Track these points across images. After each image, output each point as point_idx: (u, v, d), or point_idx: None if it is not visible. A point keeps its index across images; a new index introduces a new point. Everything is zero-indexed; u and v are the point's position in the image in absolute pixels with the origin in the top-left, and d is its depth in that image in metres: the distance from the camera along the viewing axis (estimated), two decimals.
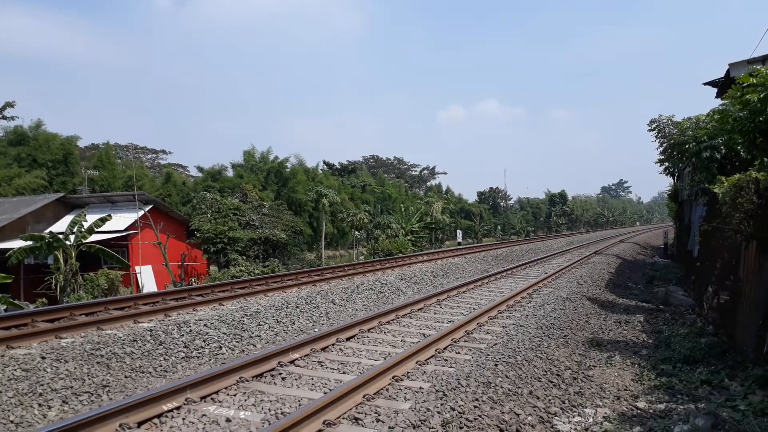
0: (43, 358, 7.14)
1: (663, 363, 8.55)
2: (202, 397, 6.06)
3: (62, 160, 36.85)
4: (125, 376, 7.26)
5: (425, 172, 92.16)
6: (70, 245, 19.90)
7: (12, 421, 5.68)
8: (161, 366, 7.80)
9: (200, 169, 46.48)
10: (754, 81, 9.09)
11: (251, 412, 5.73)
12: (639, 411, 6.54)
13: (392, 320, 10.58)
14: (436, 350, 8.12)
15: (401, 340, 9.08)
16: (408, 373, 7.11)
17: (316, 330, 10.23)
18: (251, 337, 9.53)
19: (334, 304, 12.51)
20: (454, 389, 6.27)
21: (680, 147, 14.49)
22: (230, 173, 45.78)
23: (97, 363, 7.36)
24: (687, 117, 15.55)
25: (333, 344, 8.59)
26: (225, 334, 9.32)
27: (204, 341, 8.86)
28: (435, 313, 11.56)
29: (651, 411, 6.51)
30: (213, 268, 29.87)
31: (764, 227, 7.74)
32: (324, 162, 66.80)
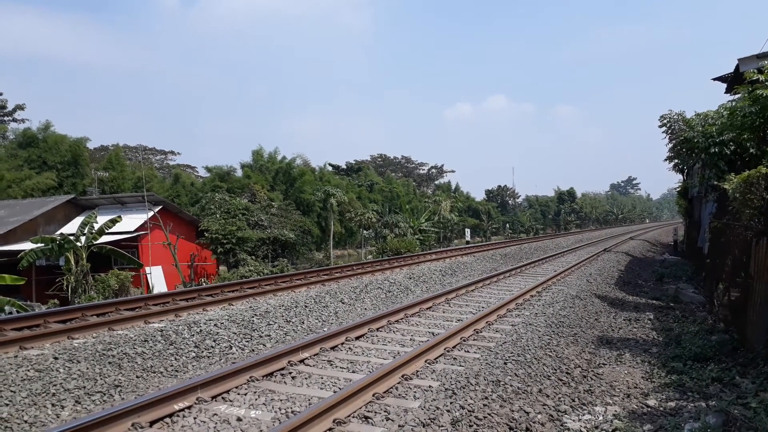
0: (56, 358, 7.22)
1: (673, 361, 8.51)
2: (213, 397, 6.10)
3: (72, 161, 37.19)
4: (137, 376, 7.32)
5: (433, 170, 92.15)
6: (81, 246, 20.07)
7: (26, 421, 5.75)
8: (172, 366, 7.85)
9: (209, 169, 46.75)
10: (762, 77, 9.03)
11: (262, 411, 5.77)
12: (649, 409, 6.52)
13: (401, 319, 10.60)
14: (445, 349, 8.12)
15: (410, 339, 9.10)
16: (417, 371, 7.12)
17: (325, 329, 10.26)
18: (261, 336, 9.57)
19: (343, 303, 12.54)
20: (464, 388, 6.28)
21: (689, 143, 14.40)
22: (239, 173, 46.00)
23: (109, 363, 7.43)
24: (696, 113, 15.44)
25: (342, 343, 8.62)
26: (235, 333, 9.38)
27: (214, 341, 8.92)
28: (444, 312, 11.56)
29: (661, 409, 6.49)
30: (222, 268, 30.01)
31: None
32: (329, 164, 66.92)
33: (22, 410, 5.91)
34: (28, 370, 6.73)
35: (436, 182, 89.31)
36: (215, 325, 9.51)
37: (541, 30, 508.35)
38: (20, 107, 42.24)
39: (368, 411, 5.70)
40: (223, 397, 6.16)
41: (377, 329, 9.67)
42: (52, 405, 6.13)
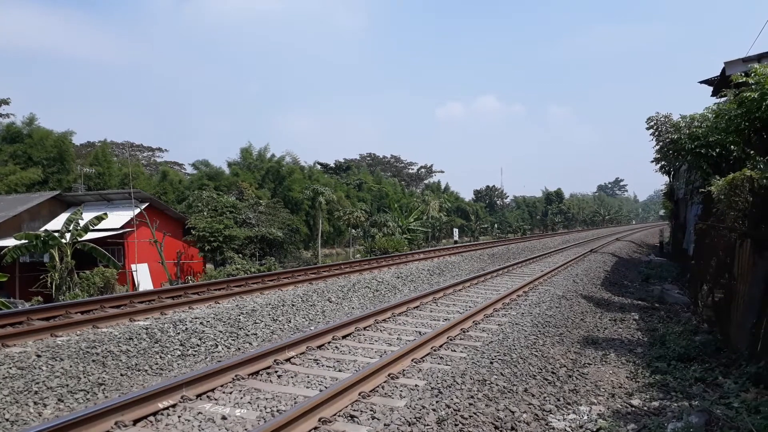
0: (39, 356, 7.13)
1: (658, 361, 8.59)
2: (198, 395, 6.06)
3: (58, 157, 36.67)
4: (121, 374, 7.25)
5: (422, 170, 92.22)
6: (65, 243, 19.85)
7: (7, 419, 5.68)
8: (157, 364, 7.79)
9: (195, 165, 46.40)
10: (749, 80, 9.12)
11: (247, 410, 5.74)
12: (633, 408, 6.57)
13: (388, 318, 10.59)
14: (431, 348, 8.13)
15: (397, 338, 9.10)
16: (404, 370, 7.12)
17: (312, 328, 10.23)
18: (247, 335, 9.53)
19: (330, 302, 12.51)
20: (450, 387, 6.28)
21: (675, 145, 14.52)
22: (227, 172, 45.69)
23: (93, 361, 7.35)
24: (682, 115, 15.57)
25: (329, 342, 8.60)
26: (221, 332, 9.32)
27: (200, 339, 8.86)
28: (431, 311, 11.57)
29: (645, 408, 6.54)
30: (209, 266, 29.86)
31: (758, 225, 7.78)
32: (318, 163, 66.70)
33: (4, 408, 5.84)
34: (10, 368, 6.64)
35: (426, 182, 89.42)
36: (201, 323, 9.45)
37: (535, 31, 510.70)
38: (5, 101, 41.64)
39: (354, 410, 5.69)
40: (208, 396, 6.13)
41: (364, 328, 9.66)
42: (35, 403, 6.06)
